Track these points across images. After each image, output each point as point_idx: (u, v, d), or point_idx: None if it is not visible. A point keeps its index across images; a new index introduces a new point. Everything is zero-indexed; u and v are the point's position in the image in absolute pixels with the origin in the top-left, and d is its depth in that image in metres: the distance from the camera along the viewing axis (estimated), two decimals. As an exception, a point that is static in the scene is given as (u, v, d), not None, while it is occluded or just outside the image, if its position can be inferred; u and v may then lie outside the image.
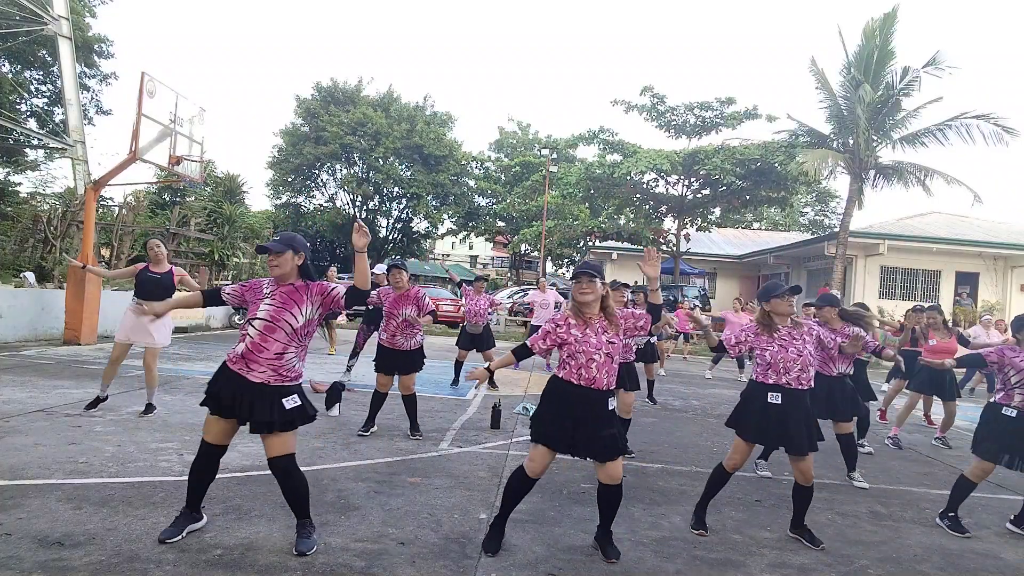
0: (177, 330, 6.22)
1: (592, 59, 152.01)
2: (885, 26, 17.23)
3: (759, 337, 3.86)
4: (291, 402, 3.14)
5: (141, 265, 5.99)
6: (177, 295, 3.15)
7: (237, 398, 3.11)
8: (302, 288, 3.22)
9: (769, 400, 3.75)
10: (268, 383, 3.10)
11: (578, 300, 3.33)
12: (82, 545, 3.04)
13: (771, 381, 3.78)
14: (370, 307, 7.86)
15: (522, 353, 3.50)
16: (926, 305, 8.12)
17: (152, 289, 5.80)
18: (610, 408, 3.30)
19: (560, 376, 3.34)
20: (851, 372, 5.49)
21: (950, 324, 7.63)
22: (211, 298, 3.42)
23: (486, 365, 3.59)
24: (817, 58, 22.52)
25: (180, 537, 3.16)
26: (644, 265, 3.37)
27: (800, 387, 3.74)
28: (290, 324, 3.14)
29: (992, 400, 4.46)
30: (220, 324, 16.33)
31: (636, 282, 24.34)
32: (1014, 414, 4.21)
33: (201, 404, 3.22)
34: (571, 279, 3.41)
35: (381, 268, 8.05)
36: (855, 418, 5.37)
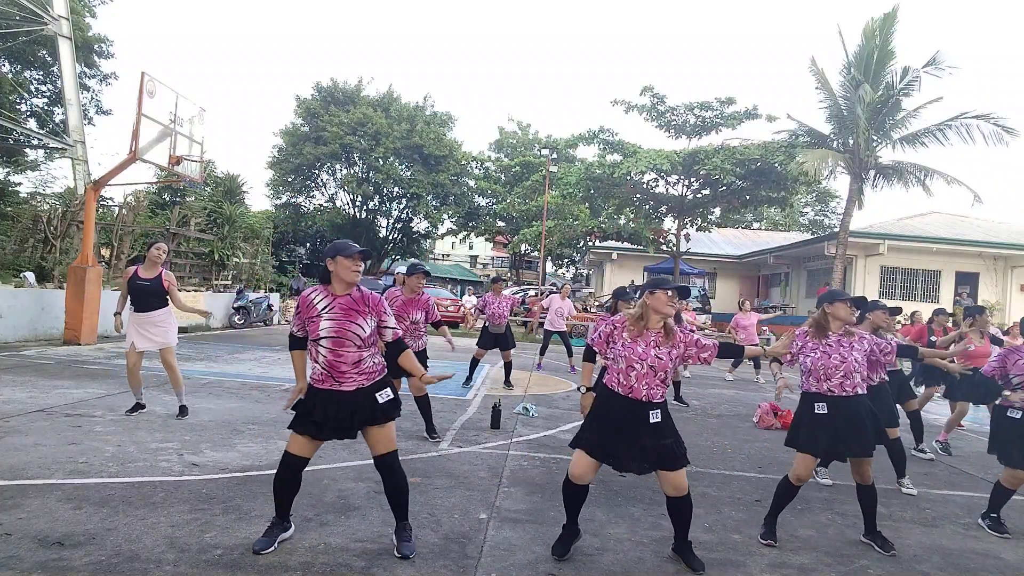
0: (178, 330, 6.21)
1: (592, 59, 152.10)
2: (885, 26, 17.23)
3: (807, 340, 3.86)
4: (384, 396, 3.18)
5: (130, 273, 5.86)
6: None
7: (335, 414, 3.10)
8: (359, 300, 3.18)
9: (816, 412, 3.75)
10: (362, 387, 3.14)
11: (660, 310, 3.33)
12: (82, 545, 3.04)
13: (813, 389, 3.78)
14: None
15: (591, 355, 3.68)
16: (959, 305, 8.01)
17: (144, 297, 5.75)
18: (652, 421, 3.25)
19: (604, 382, 3.40)
20: (886, 378, 5.27)
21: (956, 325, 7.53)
22: (298, 344, 3.29)
23: (585, 387, 3.74)
24: (817, 58, 22.52)
25: (273, 548, 3.12)
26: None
27: (845, 393, 3.71)
28: (358, 335, 3.13)
29: (998, 402, 4.46)
30: (220, 324, 16.33)
31: (632, 281, 24.32)
32: (1019, 416, 4.21)
33: (293, 430, 3.17)
34: (655, 287, 3.40)
35: (402, 269, 8.12)
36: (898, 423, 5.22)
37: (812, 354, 3.79)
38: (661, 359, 3.28)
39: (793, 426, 3.94)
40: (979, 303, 20.72)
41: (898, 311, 5.61)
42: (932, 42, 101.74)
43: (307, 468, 4.46)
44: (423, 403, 5.75)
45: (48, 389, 6.67)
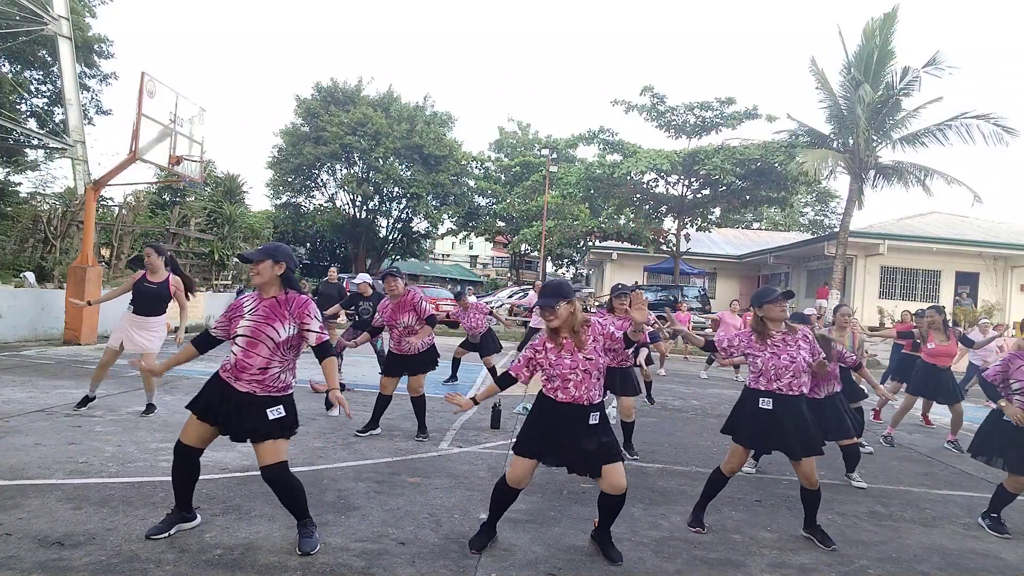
0: (183, 329, 6.23)
1: (592, 59, 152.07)
2: (885, 26, 17.23)
3: (752, 343, 3.85)
4: (275, 413, 3.14)
5: (138, 275, 5.91)
6: (175, 354, 3.10)
7: (223, 404, 3.13)
8: (283, 302, 3.21)
9: (760, 406, 3.76)
10: (254, 393, 3.13)
11: (775, 316, 3.54)
12: (82, 545, 3.04)
13: (762, 387, 3.79)
14: (362, 316, 7.78)
15: (505, 382, 3.48)
16: (926, 307, 8.04)
17: (149, 301, 5.78)
18: (592, 422, 3.25)
19: (543, 392, 3.37)
20: (839, 389, 5.30)
21: (950, 325, 7.54)
22: (204, 344, 3.37)
23: (471, 395, 3.47)
24: (817, 58, 22.51)
25: (167, 535, 3.17)
26: (632, 310, 3.21)
27: (792, 393, 3.74)
28: (272, 339, 3.14)
29: (995, 407, 4.45)
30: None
31: (637, 282, 24.30)
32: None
33: (187, 407, 3.23)
34: (764, 300, 3.56)
35: (364, 277, 7.99)
36: (856, 431, 5.26)
37: (761, 354, 3.79)
38: (591, 359, 3.26)
39: (733, 417, 3.96)
40: (979, 303, 20.78)
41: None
42: (932, 42, 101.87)
43: (307, 468, 4.49)
44: (418, 404, 5.75)
45: (48, 389, 6.67)
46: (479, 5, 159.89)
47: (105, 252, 16.76)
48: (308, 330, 3.22)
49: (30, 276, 13.08)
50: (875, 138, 17.98)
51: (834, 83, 18.33)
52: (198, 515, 3.39)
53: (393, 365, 5.72)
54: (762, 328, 3.83)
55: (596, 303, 23.89)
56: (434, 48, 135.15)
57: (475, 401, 3.42)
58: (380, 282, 6.11)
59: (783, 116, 34.78)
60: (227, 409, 3.13)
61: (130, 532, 3.22)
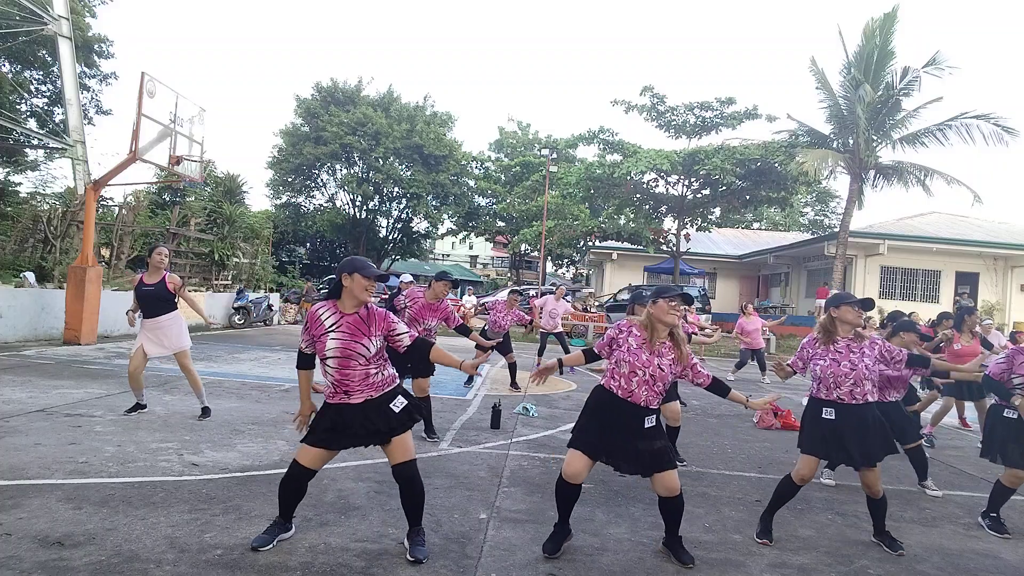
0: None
1: (592, 59, 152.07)
2: (885, 26, 17.25)
3: (815, 346, 3.82)
4: (399, 404, 3.19)
5: (136, 279, 5.88)
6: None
7: (341, 427, 3.13)
8: (366, 318, 3.17)
9: (823, 416, 3.72)
10: (371, 398, 3.15)
11: (662, 319, 3.33)
12: (82, 545, 3.04)
13: (823, 396, 3.75)
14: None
15: (590, 357, 3.65)
16: (959, 305, 8.06)
17: (150, 304, 5.74)
18: (647, 425, 3.30)
19: (603, 385, 3.41)
20: (903, 395, 5.29)
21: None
22: (307, 364, 3.32)
23: (557, 359, 3.69)
24: (817, 58, 22.54)
25: (271, 546, 3.15)
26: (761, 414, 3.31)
27: (855, 401, 3.67)
28: (363, 355, 3.12)
29: (994, 403, 4.45)
30: (220, 324, 16.32)
31: (631, 284, 24.25)
32: (1015, 416, 4.22)
33: (302, 441, 3.20)
34: (659, 296, 3.38)
35: (407, 278, 8.10)
36: (920, 435, 5.27)
37: (821, 361, 3.75)
38: (663, 370, 3.31)
39: (802, 426, 3.94)
40: (979, 303, 20.77)
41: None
42: (932, 42, 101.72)
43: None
44: (424, 404, 5.74)
45: (48, 389, 6.67)
46: (479, 5, 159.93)
47: (105, 252, 16.73)
48: (398, 335, 3.22)
49: (30, 276, 13.06)
50: (875, 138, 17.99)
51: (834, 83, 18.36)
52: (294, 525, 3.37)
53: (399, 365, 5.69)
54: (831, 329, 3.78)
55: (596, 303, 23.91)
56: (434, 48, 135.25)
57: (560, 364, 3.66)
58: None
59: (783, 116, 34.85)
60: (349, 428, 3.12)
61: (130, 532, 3.22)
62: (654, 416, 3.34)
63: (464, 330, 5.78)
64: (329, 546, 3.24)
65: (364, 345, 3.12)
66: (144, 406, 5.87)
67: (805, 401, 4.06)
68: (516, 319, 9.13)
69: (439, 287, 5.63)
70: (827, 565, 3.53)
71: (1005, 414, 4.25)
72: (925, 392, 8.41)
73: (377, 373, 3.19)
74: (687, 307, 3.44)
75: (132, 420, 5.60)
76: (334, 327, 3.13)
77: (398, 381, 3.31)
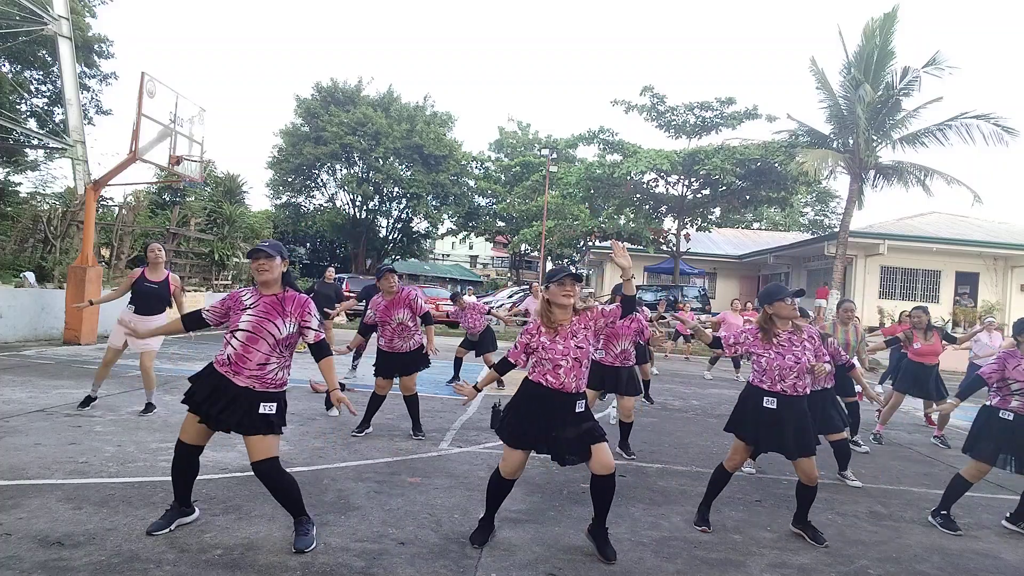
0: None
1: (592, 59, 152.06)
2: (885, 26, 17.23)
3: (757, 341, 3.86)
4: (266, 409, 3.16)
5: (137, 273, 5.89)
6: (163, 323, 3.20)
7: (215, 397, 3.14)
8: (284, 300, 3.25)
9: (764, 404, 3.76)
10: (253, 388, 3.15)
11: (560, 302, 3.34)
12: (82, 545, 3.04)
13: (766, 387, 3.79)
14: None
15: (504, 367, 3.57)
16: (959, 305, 8.09)
17: (149, 300, 5.79)
18: (578, 411, 3.33)
19: (530, 379, 3.41)
20: (832, 384, 5.31)
21: (935, 325, 7.55)
22: (192, 322, 3.43)
23: (474, 383, 3.67)
24: (817, 58, 22.52)
25: (168, 530, 3.21)
26: (616, 257, 3.31)
27: (796, 394, 3.75)
28: (272, 335, 3.17)
29: (988, 403, 4.45)
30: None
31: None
32: (1011, 417, 4.23)
33: (183, 402, 3.24)
34: (549, 280, 3.38)
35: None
36: (846, 426, 5.32)
37: (765, 354, 3.79)
38: (582, 347, 3.33)
39: (736, 413, 3.96)
40: (979, 303, 20.79)
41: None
42: (932, 42, 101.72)
43: (307, 468, 4.49)
44: (412, 403, 5.74)
45: (48, 389, 6.67)
46: (479, 5, 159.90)
47: (105, 252, 16.75)
48: (308, 328, 3.28)
49: (30, 276, 13.07)
50: (875, 138, 17.98)
51: (834, 83, 18.35)
52: (196, 509, 3.42)
53: (384, 365, 5.70)
54: (769, 326, 3.83)
55: (596, 303, 23.91)
56: (434, 48, 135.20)
57: (477, 388, 3.62)
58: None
59: (783, 116, 34.85)
60: (220, 402, 3.13)
61: (130, 532, 3.22)
62: (583, 401, 3.38)
63: (427, 319, 5.79)
64: (329, 546, 3.24)
65: (276, 325, 3.18)
66: (95, 398, 5.90)
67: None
68: (481, 312, 9.13)
69: (384, 283, 5.66)
70: (827, 565, 3.53)
71: (1001, 415, 4.27)
72: (888, 384, 8.44)
73: (275, 369, 3.20)
74: (578, 284, 3.39)
75: (132, 420, 5.61)
76: (252, 306, 3.23)
77: (284, 390, 3.28)
